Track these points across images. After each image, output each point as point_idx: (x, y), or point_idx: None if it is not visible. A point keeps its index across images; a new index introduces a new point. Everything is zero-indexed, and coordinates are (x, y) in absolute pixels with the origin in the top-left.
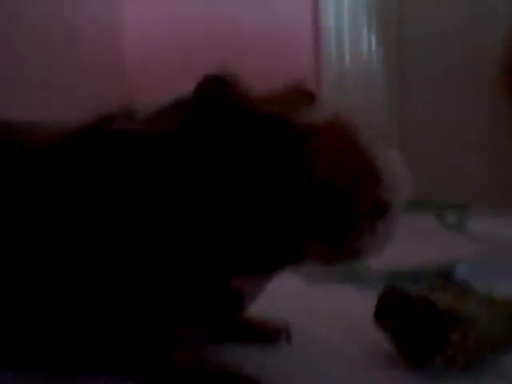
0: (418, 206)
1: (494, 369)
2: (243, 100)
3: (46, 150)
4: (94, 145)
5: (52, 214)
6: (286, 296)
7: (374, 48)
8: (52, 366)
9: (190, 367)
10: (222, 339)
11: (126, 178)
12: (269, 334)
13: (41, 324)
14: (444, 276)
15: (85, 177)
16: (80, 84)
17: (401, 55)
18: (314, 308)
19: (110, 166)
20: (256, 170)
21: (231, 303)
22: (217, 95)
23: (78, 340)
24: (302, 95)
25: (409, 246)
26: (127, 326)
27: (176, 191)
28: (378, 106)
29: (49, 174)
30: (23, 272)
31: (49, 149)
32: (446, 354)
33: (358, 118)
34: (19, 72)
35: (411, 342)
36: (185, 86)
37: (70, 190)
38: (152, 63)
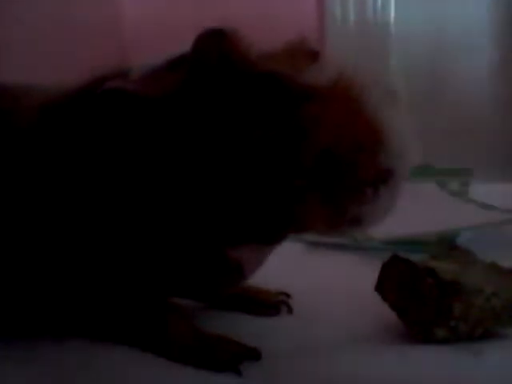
0: (418, 171)
1: (495, 342)
2: (243, 57)
3: (38, 115)
4: (86, 107)
5: (43, 177)
6: (287, 265)
7: (379, 7)
8: (51, 333)
9: (190, 338)
10: (222, 308)
11: (119, 141)
12: (269, 305)
13: (40, 290)
14: (447, 244)
15: (77, 140)
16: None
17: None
18: (315, 277)
19: (103, 127)
20: (255, 132)
21: (231, 273)
22: (216, 51)
23: (77, 308)
24: (305, 53)
25: (410, 213)
26: (126, 294)
27: (171, 153)
28: (382, 66)
29: (40, 139)
30: (19, 239)
31: (40, 114)
32: (448, 326)
33: (364, 78)
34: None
35: (413, 313)
36: None
37: (62, 154)
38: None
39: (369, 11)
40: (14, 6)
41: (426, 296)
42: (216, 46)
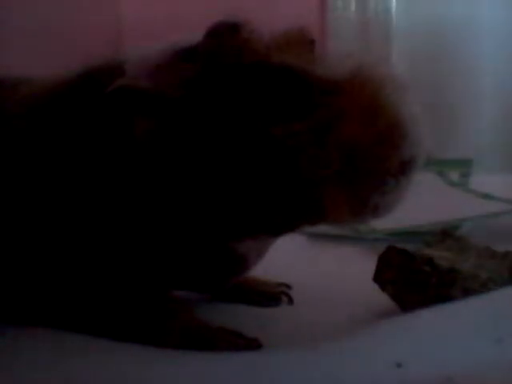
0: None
1: None
2: (257, 50)
3: (37, 104)
4: (87, 100)
5: (42, 168)
6: (288, 256)
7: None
8: (51, 327)
9: (190, 329)
10: (223, 299)
11: (128, 137)
12: (270, 296)
13: (37, 283)
14: (444, 233)
15: (80, 133)
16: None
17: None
18: (316, 268)
19: (112, 124)
20: (278, 127)
21: (235, 264)
22: (230, 44)
23: (77, 302)
24: (302, 42)
25: (411, 204)
26: (127, 287)
27: (185, 148)
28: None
29: (38, 131)
30: (16, 232)
31: (38, 104)
32: None
33: (382, 71)
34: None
35: (412, 302)
36: None
37: (61, 146)
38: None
39: (371, 3)
40: (14, 4)
41: (424, 285)
42: (230, 40)
